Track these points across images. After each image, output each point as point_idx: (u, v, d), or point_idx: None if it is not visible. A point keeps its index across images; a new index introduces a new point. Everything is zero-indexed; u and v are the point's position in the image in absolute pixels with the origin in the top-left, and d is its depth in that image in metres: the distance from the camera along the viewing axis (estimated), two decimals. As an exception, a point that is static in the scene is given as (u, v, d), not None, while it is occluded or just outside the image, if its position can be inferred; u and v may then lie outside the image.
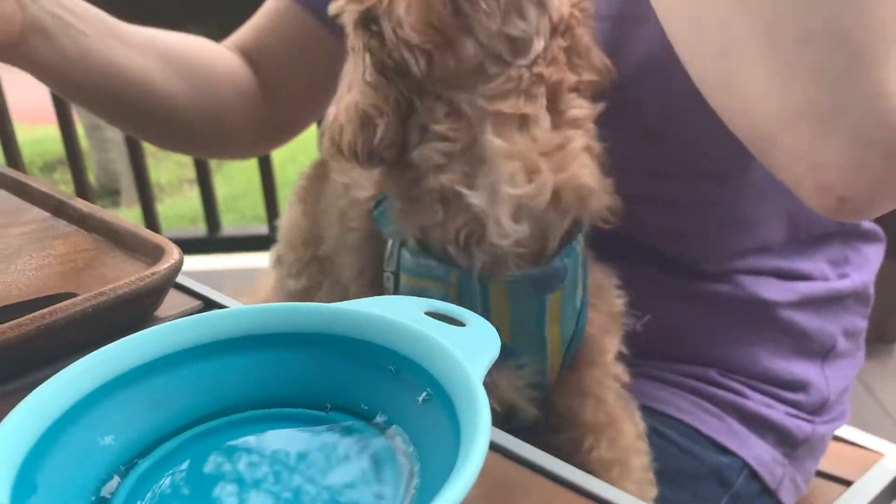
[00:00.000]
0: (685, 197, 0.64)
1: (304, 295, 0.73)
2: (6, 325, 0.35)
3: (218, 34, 0.79)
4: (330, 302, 0.67)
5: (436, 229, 0.50)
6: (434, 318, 0.33)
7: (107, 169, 4.10)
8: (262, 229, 2.15)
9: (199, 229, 2.22)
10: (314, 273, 0.72)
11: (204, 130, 0.75)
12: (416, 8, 0.43)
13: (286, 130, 0.82)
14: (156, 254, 0.42)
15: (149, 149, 2.16)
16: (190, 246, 2.29)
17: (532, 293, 0.52)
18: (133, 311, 0.39)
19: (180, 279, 0.44)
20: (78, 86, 0.65)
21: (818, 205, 0.42)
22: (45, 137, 4.12)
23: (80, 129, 3.03)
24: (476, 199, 0.47)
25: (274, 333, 0.32)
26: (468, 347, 0.30)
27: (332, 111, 0.53)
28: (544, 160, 0.47)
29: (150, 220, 2.15)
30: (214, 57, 0.75)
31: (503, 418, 0.56)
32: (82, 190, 2.09)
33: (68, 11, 0.61)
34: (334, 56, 0.72)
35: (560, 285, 0.52)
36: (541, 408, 0.57)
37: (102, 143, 4.01)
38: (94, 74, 0.64)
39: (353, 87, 0.50)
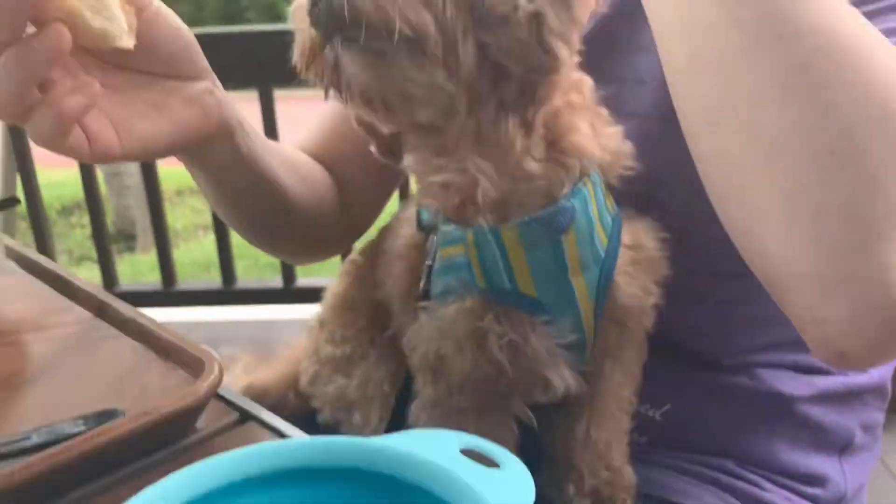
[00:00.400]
0: (706, 294, 0.66)
1: (345, 362, 0.74)
2: (55, 448, 0.36)
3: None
4: (371, 377, 0.71)
5: (443, 202, 0.57)
6: (469, 456, 0.34)
7: (124, 214, 4.16)
8: (277, 282, 2.18)
9: (214, 281, 2.25)
10: (363, 343, 0.73)
11: (309, 231, 0.77)
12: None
13: (363, 222, 0.84)
14: (196, 366, 0.44)
15: (165, 193, 2.20)
16: (204, 297, 2.31)
17: (544, 235, 0.55)
18: (174, 426, 0.41)
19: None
20: (234, 186, 0.67)
21: (819, 353, 0.46)
22: (65, 181, 4.20)
23: (100, 174, 3.09)
24: (460, 178, 0.54)
25: (314, 468, 0.34)
26: (502, 493, 0.31)
27: None
28: (531, 148, 0.54)
29: (166, 265, 2.19)
30: (308, 160, 0.78)
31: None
32: (100, 233, 2.13)
33: (241, 116, 0.63)
34: None
35: (569, 224, 0.55)
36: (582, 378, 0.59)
37: (121, 188, 4.08)
38: (251, 176, 0.66)
39: None
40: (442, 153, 0.56)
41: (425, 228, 0.61)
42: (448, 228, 0.58)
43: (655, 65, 0.62)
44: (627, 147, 0.59)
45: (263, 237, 0.78)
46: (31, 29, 0.43)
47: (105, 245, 2.17)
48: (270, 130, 2.03)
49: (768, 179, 0.44)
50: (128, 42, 0.46)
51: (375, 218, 0.86)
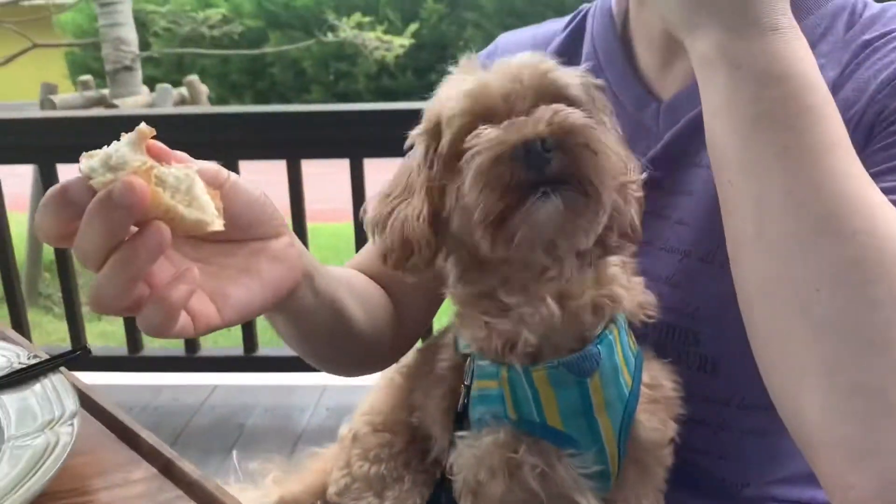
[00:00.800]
0: (734, 422, 0.69)
1: (378, 481, 0.76)
2: None
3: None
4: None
5: (482, 340, 0.62)
6: None
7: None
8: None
9: (237, 348, 2.29)
10: (398, 466, 0.76)
11: (368, 350, 0.79)
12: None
13: (413, 337, 0.87)
14: (258, 541, 0.47)
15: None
16: (227, 364, 2.36)
17: (571, 378, 0.60)
18: None
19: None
20: (312, 324, 0.68)
21: None
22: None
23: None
24: (506, 325, 0.60)
25: None
26: None
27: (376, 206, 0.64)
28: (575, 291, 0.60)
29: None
30: (367, 283, 0.80)
31: None
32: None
33: (314, 259, 0.66)
34: None
35: (594, 369, 0.60)
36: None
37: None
38: (327, 314, 0.68)
39: (409, 206, 0.61)
40: (516, 289, 0.60)
41: (463, 353, 0.66)
42: (483, 363, 0.63)
43: (697, 208, 0.67)
44: (650, 298, 0.64)
45: (326, 361, 0.80)
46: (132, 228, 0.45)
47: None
48: (296, 196, 2.11)
49: (811, 353, 0.49)
50: (218, 225, 0.48)
51: (422, 333, 0.89)
